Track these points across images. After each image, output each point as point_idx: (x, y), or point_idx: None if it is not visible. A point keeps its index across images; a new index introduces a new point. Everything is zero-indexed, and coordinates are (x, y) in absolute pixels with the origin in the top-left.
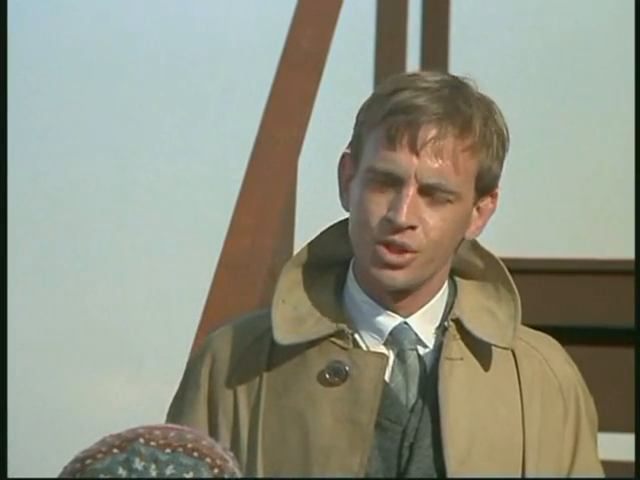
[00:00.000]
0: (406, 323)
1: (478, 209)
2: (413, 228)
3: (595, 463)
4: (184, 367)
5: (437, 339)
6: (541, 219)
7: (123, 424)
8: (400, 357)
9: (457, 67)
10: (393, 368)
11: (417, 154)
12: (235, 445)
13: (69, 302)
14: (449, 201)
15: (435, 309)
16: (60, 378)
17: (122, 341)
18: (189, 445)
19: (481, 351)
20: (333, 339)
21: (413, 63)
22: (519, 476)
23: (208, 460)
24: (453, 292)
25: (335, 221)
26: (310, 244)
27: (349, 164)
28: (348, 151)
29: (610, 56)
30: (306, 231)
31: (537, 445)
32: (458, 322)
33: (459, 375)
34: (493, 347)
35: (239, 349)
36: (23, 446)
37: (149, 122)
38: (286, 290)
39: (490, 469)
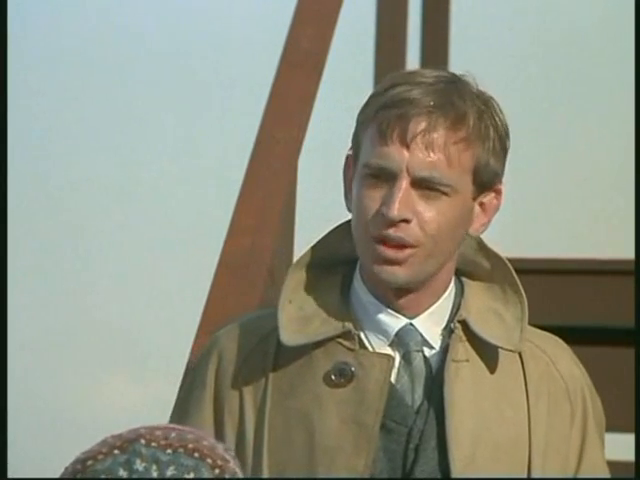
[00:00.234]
0: (412, 324)
1: (481, 205)
2: (407, 221)
3: (602, 465)
4: (184, 366)
5: (443, 340)
6: (541, 219)
7: (124, 424)
8: (406, 358)
9: (457, 67)
10: (399, 369)
11: (408, 147)
12: (240, 445)
13: (70, 302)
14: (444, 194)
15: (441, 310)
16: (61, 378)
17: (122, 341)
18: (190, 446)
19: (487, 353)
20: (339, 340)
21: (413, 63)
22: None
23: (209, 461)
24: (460, 293)
25: (341, 221)
26: (316, 244)
27: (351, 165)
28: (350, 152)
29: (610, 56)
30: (306, 231)
31: (543, 447)
32: (464, 324)
33: (465, 377)
34: (499, 349)
35: (245, 349)
36: (23, 446)
37: (149, 122)
38: (292, 290)
39: (496, 471)
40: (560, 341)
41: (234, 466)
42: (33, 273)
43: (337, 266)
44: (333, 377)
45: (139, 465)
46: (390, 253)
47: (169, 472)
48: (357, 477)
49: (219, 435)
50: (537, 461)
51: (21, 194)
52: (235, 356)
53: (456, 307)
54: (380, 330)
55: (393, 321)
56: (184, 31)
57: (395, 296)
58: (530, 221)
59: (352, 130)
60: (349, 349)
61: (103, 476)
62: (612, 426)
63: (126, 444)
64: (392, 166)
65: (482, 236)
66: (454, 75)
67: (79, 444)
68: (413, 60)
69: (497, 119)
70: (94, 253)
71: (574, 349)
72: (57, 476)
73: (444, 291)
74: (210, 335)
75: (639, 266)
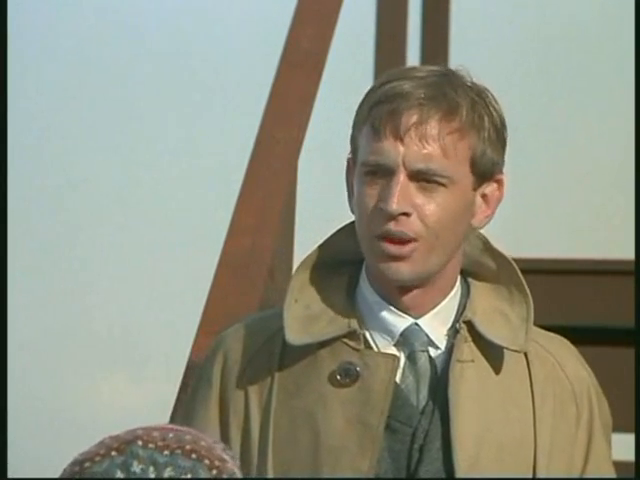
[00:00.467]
0: (417, 324)
1: (484, 197)
2: (407, 215)
3: (608, 467)
4: (185, 367)
5: (449, 341)
6: (541, 219)
7: (124, 424)
8: (411, 358)
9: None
10: (404, 369)
11: (402, 141)
12: (246, 444)
13: (69, 302)
14: (442, 185)
15: (447, 310)
16: (60, 378)
17: (122, 341)
18: (187, 447)
19: (493, 353)
20: (345, 340)
21: (413, 63)
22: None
23: (206, 461)
24: (466, 294)
25: (342, 221)
26: (322, 245)
27: (352, 168)
28: (350, 156)
29: (610, 55)
30: (306, 231)
31: (549, 447)
32: (470, 324)
33: (470, 377)
34: (505, 349)
35: (251, 349)
36: (23, 446)
37: (149, 122)
38: (298, 290)
39: (500, 471)
40: (567, 342)
41: (232, 466)
42: (32, 273)
43: (343, 266)
44: (338, 377)
45: (136, 467)
46: (393, 249)
47: (166, 474)
48: (362, 477)
49: (224, 435)
50: (542, 462)
51: (21, 194)
52: (241, 356)
53: (462, 307)
54: (385, 330)
55: (398, 321)
56: (184, 31)
57: (400, 295)
58: (530, 221)
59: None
60: (354, 349)
61: (100, 478)
62: (612, 426)
63: (123, 446)
64: (388, 161)
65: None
66: (447, 69)
67: (79, 444)
68: (413, 60)
69: (491, 109)
70: (93, 253)
71: None
72: (57, 476)
73: (450, 291)
74: (210, 335)
75: (639, 266)
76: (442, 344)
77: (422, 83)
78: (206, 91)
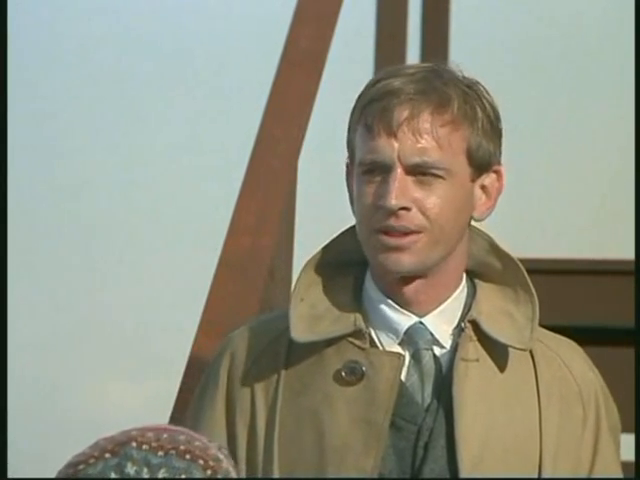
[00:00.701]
0: (422, 323)
1: (483, 188)
2: (407, 210)
3: (615, 469)
4: (185, 367)
5: (454, 340)
6: (541, 219)
7: (123, 424)
8: (415, 357)
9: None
10: (409, 368)
11: (396, 137)
12: (252, 443)
13: (69, 302)
14: (440, 177)
15: (452, 309)
16: (60, 378)
17: (122, 341)
18: (181, 447)
19: (498, 353)
20: (350, 339)
21: (413, 62)
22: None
23: (201, 462)
24: (472, 294)
25: (341, 220)
26: (327, 245)
27: (351, 171)
28: (348, 160)
29: (611, 53)
30: (306, 231)
31: (554, 447)
32: (475, 323)
33: (474, 376)
34: (511, 349)
35: (257, 349)
36: (23, 446)
37: (149, 122)
38: (304, 289)
39: (505, 471)
40: (574, 344)
41: (227, 465)
42: (34, 274)
43: (349, 267)
44: (344, 375)
45: (130, 469)
46: (393, 240)
47: (160, 475)
48: (366, 477)
49: (231, 434)
50: (548, 461)
51: (23, 194)
52: (247, 356)
53: (467, 307)
54: (390, 328)
55: (403, 319)
56: (185, 31)
57: (402, 288)
58: (530, 221)
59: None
60: (360, 348)
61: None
62: None
63: (117, 447)
64: (383, 158)
65: None
66: (437, 64)
67: (79, 444)
68: (413, 59)
69: (484, 100)
70: (94, 253)
71: None
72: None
73: (454, 289)
74: (210, 335)
75: (639, 266)
76: (447, 343)
77: (412, 79)
78: (206, 90)
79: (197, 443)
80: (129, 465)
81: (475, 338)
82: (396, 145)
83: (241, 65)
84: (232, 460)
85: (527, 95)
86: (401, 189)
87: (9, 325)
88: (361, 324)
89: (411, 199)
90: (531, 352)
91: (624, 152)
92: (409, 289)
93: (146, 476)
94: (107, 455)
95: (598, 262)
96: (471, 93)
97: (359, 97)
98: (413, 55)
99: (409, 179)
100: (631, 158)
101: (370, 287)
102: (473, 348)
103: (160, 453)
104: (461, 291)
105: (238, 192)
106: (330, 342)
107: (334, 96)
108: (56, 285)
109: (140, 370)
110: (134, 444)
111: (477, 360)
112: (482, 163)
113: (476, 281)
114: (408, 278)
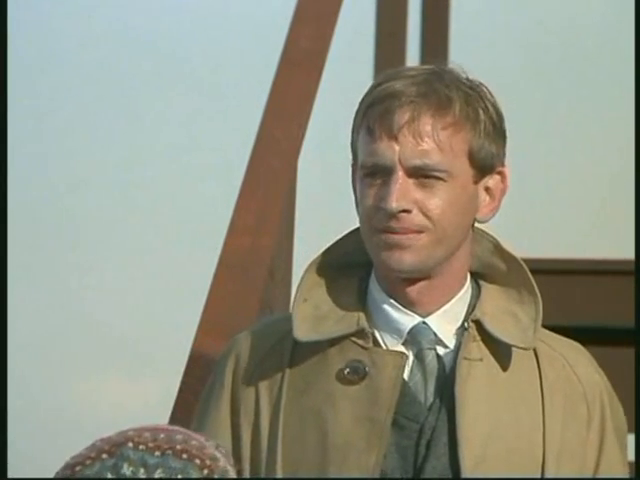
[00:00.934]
0: (425, 323)
1: (487, 190)
2: (408, 212)
3: (621, 470)
4: (185, 367)
5: (457, 340)
6: (541, 219)
7: (122, 424)
8: (419, 356)
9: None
10: (412, 367)
11: (397, 140)
12: (256, 442)
13: (69, 302)
14: (441, 180)
15: (456, 309)
16: (60, 378)
17: (122, 340)
18: (178, 447)
19: (502, 353)
20: (353, 339)
21: (413, 61)
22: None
23: (197, 461)
24: (476, 295)
25: (341, 219)
26: (331, 247)
27: (355, 172)
28: (352, 161)
29: (612, 53)
30: (306, 231)
31: (558, 446)
32: (479, 323)
33: (477, 375)
34: (515, 349)
35: (262, 349)
36: (23, 446)
37: (149, 121)
38: (308, 289)
39: (508, 470)
40: (579, 346)
41: (225, 464)
42: (32, 273)
43: (353, 269)
44: (346, 373)
45: (127, 469)
46: (395, 238)
47: (157, 475)
48: (368, 477)
49: (236, 435)
50: (551, 461)
51: (22, 194)
52: (252, 357)
53: (471, 308)
54: (393, 329)
55: (406, 319)
56: (184, 30)
57: (406, 288)
58: (530, 221)
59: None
60: (363, 347)
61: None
62: None
63: (114, 448)
64: (385, 161)
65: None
66: (439, 66)
67: (79, 444)
68: (413, 59)
69: (486, 102)
70: (93, 253)
71: None
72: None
73: (458, 290)
74: (210, 335)
75: (639, 266)
76: (451, 343)
77: (413, 81)
78: (206, 90)
79: (194, 442)
80: (125, 465)
81: (479, 338)
82: (397, 148)
83: (241, 64)
84: (231, 459)
85: (527, 94)
86: (402, 191)
87: (9, 325)
88: (364, 324)
89: (412, 201)
90: (535, 352)
91: (624, 153)
92: (413, 290)
93: (143, 476)
94: (104, 456)
95: (598, 262)
96: (473, 95)
97: (362, 100)
98: (413, 54)
99: (410, 181)
100: (631, 160)
101: (374, 288)
102: (476, 348)
103: (157, 453)
104: (465, 292)
105: (238, 192)
106: (333, 342)
107: (334, 96)
108: (56, 285)
109: (140, 370)
110: (131, 444)
111: (481, 360)
112: (485, 165)
113: (481, 282)
114: (412, 279)
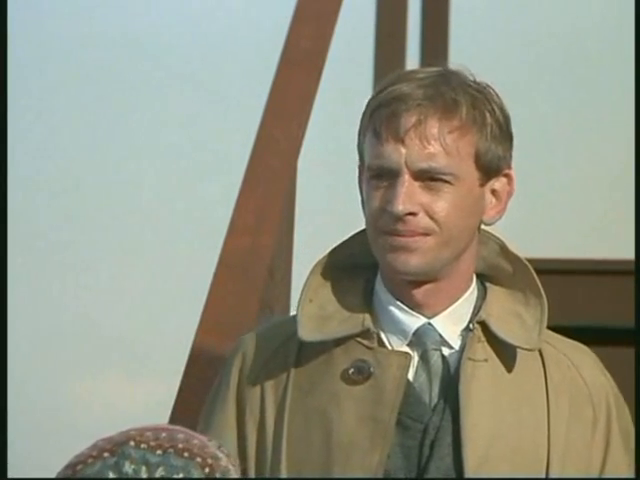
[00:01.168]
0: (430, 324)
1: (494, 192)
2: (414, 215)
3: (626, 472)
4: (184, 367)
5: (463, 341)
6: (541, 219)
7: (123, 424)
8: (424, 357)
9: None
10: (417, 368)
11: (403, 143)
12: (261, 442)
13: (69, 302)
14: (448, 183)
15: (461, 311)
16: (60, 378)
17: (122, 341)
18: (180, 445)
19: (507, 354)
20: (358, 339)
21: (413, 61)
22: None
23: (199, 460)
24: (482, 297)
25: (343, 219)
26: (336, 248)
27: (362, 174)
28: (359, 163)
29: (613, 53)
30: (306, 231)
31: (563, 447)
32: (484, 325)
33: (482, 376)
34: (520, 350)
35: (268, 350)
36: (23, 446)
37: (148, 121)
38: (314, 290)
39: (512, 471)
40: (585, 348)
41: (226, 463)
42: (32, 273)
43: (359, 270)
44: (351, 373)
45: (128, 467)
46: (402, 240)
47: (158, 473)
48: (372, 477)
49: (241, 435)
50: (556, 462)
51: (20, 194)
52: (258, 357)
53: (477, 309)
54: (399, 330)
55: (411, 320)
56: (184, 30)
57: (412, 290)
58: (530, 221)
59: (352, 129)
60: (368, 347)
61: (93, 479)
62: None
63: (116, 447)
64: (391, 164)
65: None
66: (446, 69)
67: (78, 444)
68: (413, 59)
69: (493, 105)
70: (92, 253)
71: None
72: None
73: (464, 291)
74: (210, 334)
75: (639, 266)
76: (456, 344)
77: (420, 84)
78: (206, 90)
79: (195, 441)
80: (127, 464)
81: (484, 339)
82: (403, 151)
83: (241, 64)
84: (233, 459)
85: (527, 94)
86: (408, 194)
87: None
88: (369, 324)
89: (418, 204)
90: (540, 353)
91: (625, 155)
92: (419, 292)
93: (144, 475)
94: (105, 455)
95: (598, 262)
96: (480, 98)
97: (368, 102)
98: (413, 54)
99: (416, 184)
100: (631, 161)
101: (380, 290)
102: (481, 349)
103: (158, 452)
104: (471, 293)
105: (238, 191)
106: (339, 342)
107: (334, 96)
108: (55, 285)
109: (140, 370)
110: (132, 443)
111: (486, 360)
112: (491, 168)
113: (487, 284)
114: (418, 282)
